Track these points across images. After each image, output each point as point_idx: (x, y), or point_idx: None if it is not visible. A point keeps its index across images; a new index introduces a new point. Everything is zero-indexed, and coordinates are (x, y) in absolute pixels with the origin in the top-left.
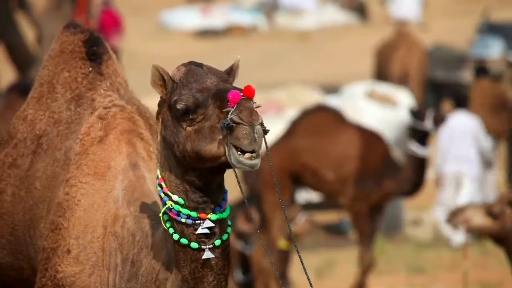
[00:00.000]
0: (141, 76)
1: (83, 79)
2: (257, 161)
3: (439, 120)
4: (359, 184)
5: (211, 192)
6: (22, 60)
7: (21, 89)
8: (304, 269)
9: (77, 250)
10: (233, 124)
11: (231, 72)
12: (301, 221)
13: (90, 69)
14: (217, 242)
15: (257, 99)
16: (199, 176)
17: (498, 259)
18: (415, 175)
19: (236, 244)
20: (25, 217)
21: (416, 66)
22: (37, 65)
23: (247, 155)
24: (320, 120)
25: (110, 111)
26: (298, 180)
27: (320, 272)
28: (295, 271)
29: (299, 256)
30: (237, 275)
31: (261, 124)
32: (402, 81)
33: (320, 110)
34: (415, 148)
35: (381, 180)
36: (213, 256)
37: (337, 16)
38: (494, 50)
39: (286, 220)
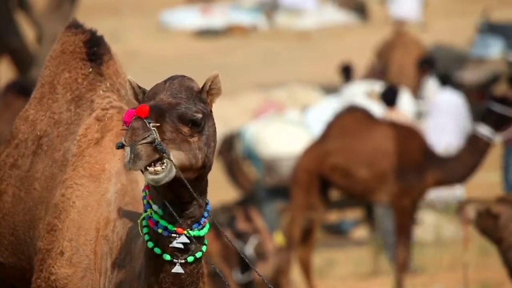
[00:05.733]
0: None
1: (83, 80)
2: (160, 176)
3: None
4: (400, 180)
5: (185, 207)
6: (22, 60)
7: (18, 88)
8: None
9: (70, 252)
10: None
11: (203, 88)
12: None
13: (90, 69)
14: (190, 258)
15: (257, 99)
16: (161, 190)
17: (498, 259)
18: (475, 158)
19: (235, 244)
20: (25, 218)
21: (412, 66)
22: (37, 65)
23: (150, 169)
24: (350, 120)
25: (108, 112)
26: (327, 183)
27: (320, 272)
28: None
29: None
30: (236, 275)
31: (154, 143)
32: (380, 75)
33: (351, 111)
34: (486, 131)
35: (423, 173)
36: (183, 271)
37: (337, 16)
38: (494, 50)
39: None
